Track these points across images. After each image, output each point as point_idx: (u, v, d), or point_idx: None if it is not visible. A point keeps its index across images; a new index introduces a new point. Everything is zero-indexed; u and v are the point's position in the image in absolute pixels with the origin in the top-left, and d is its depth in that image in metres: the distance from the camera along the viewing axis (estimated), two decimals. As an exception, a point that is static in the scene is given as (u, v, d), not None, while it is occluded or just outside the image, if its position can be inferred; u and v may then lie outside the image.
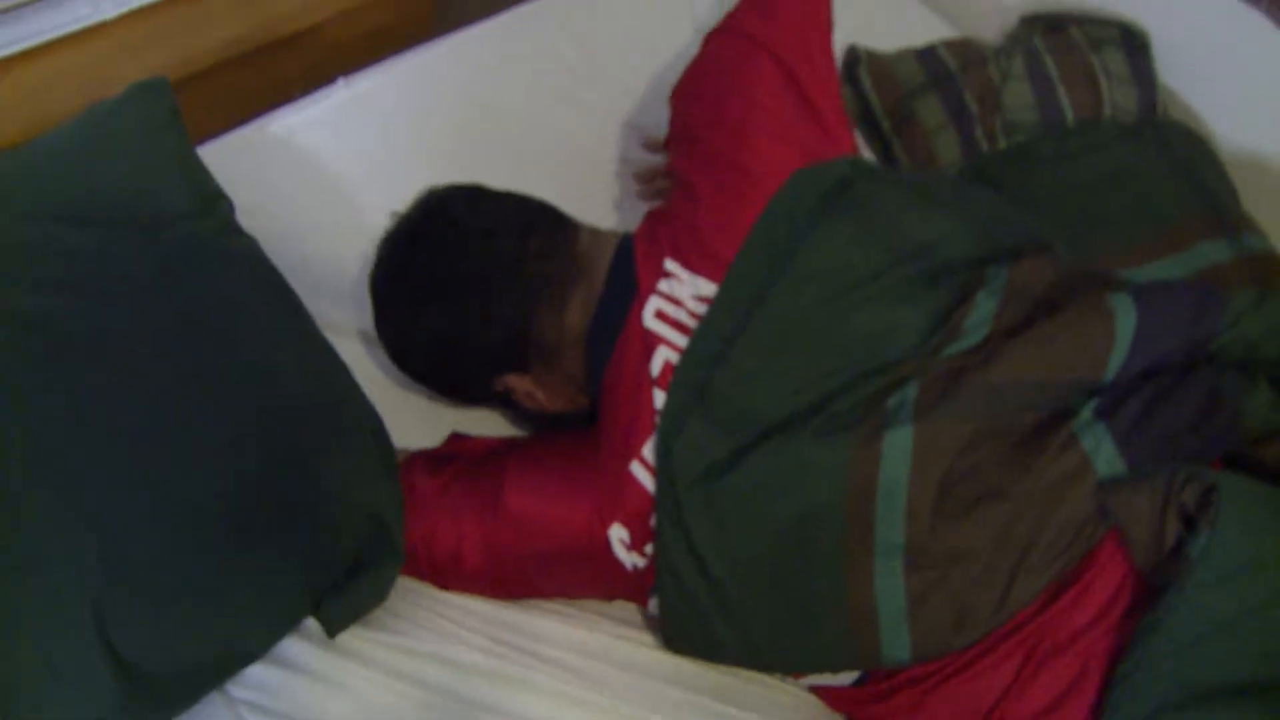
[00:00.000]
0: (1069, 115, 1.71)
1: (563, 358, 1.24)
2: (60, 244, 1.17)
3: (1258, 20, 1.68)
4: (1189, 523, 1.06)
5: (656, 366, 1.15)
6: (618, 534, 1.15)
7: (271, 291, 1.25)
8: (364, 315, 1.37)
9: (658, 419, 1.14)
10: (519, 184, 1.55)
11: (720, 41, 1.37)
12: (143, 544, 1.05)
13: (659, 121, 1.67)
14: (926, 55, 1.78)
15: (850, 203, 1.19)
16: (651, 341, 1.16)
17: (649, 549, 1.15)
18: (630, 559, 1.16)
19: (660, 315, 1.18)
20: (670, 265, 1.19)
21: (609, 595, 1.29)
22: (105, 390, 1.09)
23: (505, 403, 1.33)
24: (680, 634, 1.21)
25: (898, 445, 1.09)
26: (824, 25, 1.36)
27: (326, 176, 1.54)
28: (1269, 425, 1.17)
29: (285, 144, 1.56)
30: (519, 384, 1.26)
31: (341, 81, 1.66)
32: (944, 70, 1.74)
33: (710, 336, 1.15)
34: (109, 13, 1.94)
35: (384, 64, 1.70)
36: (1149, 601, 1.06)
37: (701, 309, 1.16)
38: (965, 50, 1.78)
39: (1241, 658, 1.02)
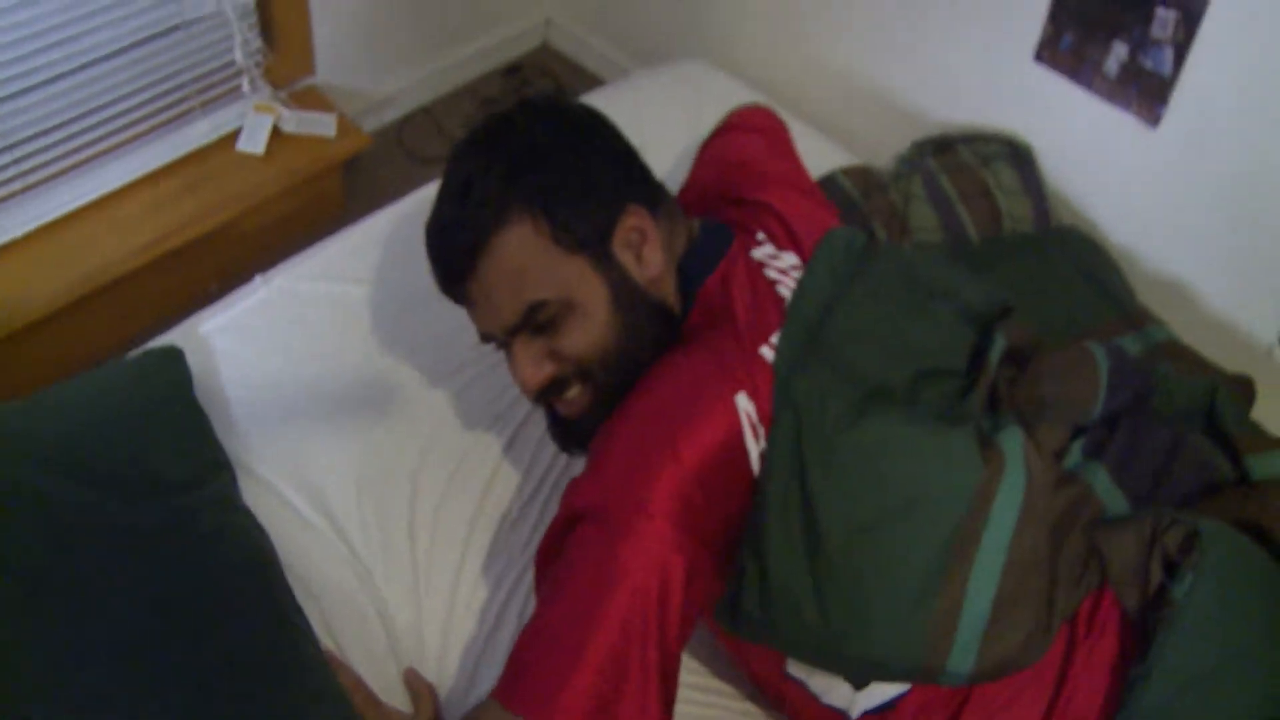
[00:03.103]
0: (971, 231, 1.77)
1: (675, 233, 1.27)
2: (55, 496, 1.21)
3: (1130, 121, 1.76)
4: (1171, 568, 1.09)
5: (772, 274, 1.22)
6: (745, 406, 1.10)
7: (254, 578, 1.26)
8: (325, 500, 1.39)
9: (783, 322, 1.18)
10: (444, 355, 1.58)
11: (725, 139, 1.60)
12: None
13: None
14: (828, 185, 1.82)
15: (884, 253, 1.31)
16: (757, 265, 1.23)
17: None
18: (759, 447, 1.11)
19: (762, 260, 1.24)
20: (761, 237, 1.28)
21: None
22: (66, 648, 1.10)
23: (602, 255, 1.21)
24: (762, 602, 1.11)
25: (1012, 444, 1.13)
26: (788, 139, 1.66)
27: (254, 374, 1.54)
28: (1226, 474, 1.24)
29: (209, 346, 1.56)
30: (641, 220, 1.21)
31: (259, 279, 1.67)
32: (847, 199, 1.79)
33: (809, 302, 1.20)
34: (16, 232, 1.96)
35: (298, 257, 1.71)
36: (1139, 649, 1.09)
37: (797, 274, 1.23)
38: (865, 177, 1.84)
39: (1227, 708, 1.05)
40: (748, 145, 1.55)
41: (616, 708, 1.02)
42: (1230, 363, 1.53)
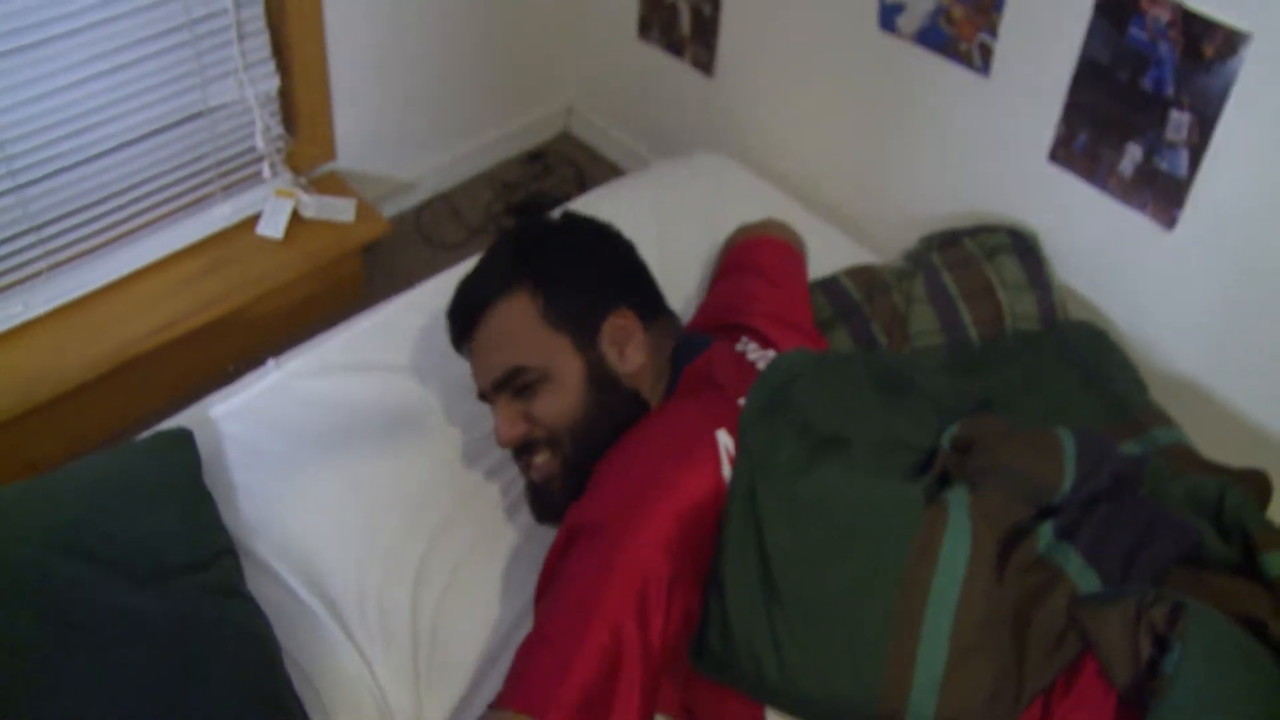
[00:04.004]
0: (972, 333, 1.77)
1: (663, 345, 1.42)
2: (60, 576, 1.22)
3: (1145, 222, 1.76)
4: (1159, 642, 1.10)
5: (753, 356, 1.39)
6: (724, 441, 1.22)
7: (253, 666, 1.26)
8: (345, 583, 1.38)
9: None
10: (456, 444, 1.57)
11: (727, 284, 1.72)
12: None
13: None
14: (830, 287, 1.82)
15: (854, 357, 1.45)
16: (740, 353, 1.40)
17: None
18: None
19: (744, 350, 1.42)
20: (743, 339, 1.46)
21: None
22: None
23: (588, 340, 1.37)
24: (723, 636, 1.18)
25: (958, 499, 1.19)
26: (801, 266, 1.77)
27: (262, 458, 1.54)
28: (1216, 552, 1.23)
29: (219, 430, 1.57)
30: (628, 322, 1.39)
31: (272, 363, 1.68)
32: (849, 301, 1.79)
33: (777, 372, 1.33)
34: (40, 309, 1.98)
35: (312, 343, 1.72)
36: None
37: None
38: (868, 278, 1.84)
39: None
40: (753, 289, 1.67)
41: (607, 704, 1.09)
42: (1246, 465, 1.51)
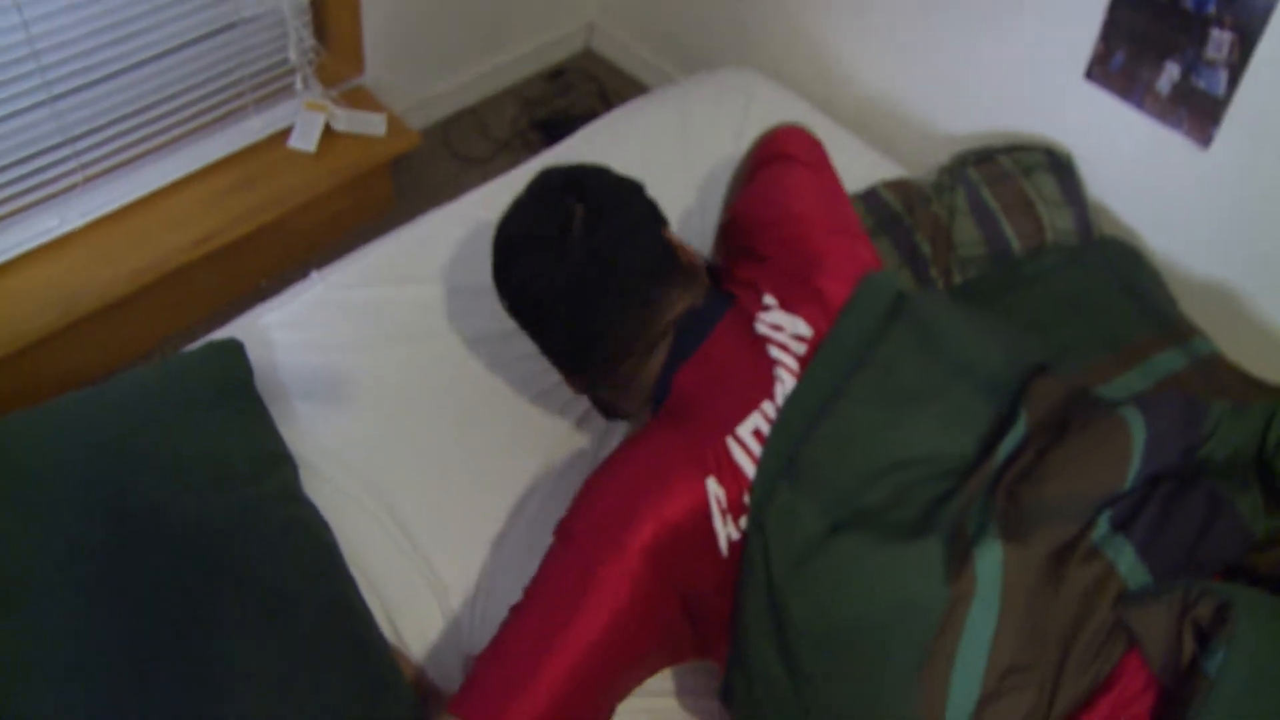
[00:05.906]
0: (1015, 244, 1.78)
1: (650, 364, 1.31)
2: (127, 485, 1.24)
3: (1181, 141, 1.77)
4: (1203, 638, 1.07)
5: (774, 351, 1.25)
6: (714, 490, 1.17)
7: (320, 570, 1.29)
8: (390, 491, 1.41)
9: (760, 459, 1.20)
10: (496, 356, 1.60)
11: (767, 173, 1.52)
12: None
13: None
14: (870, 198, 1.84)
15: (910, 315, 1.30)
16: (759, 341, 1.26)
17: (743, 523, 1.18)
18: (726, 531, 1.18)
19: (765, 335, 1.27)
20: (768, 300, 1.30)
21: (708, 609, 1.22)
22: (138, 624, 1.14)
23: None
24: (748, 702, 1.20)
25: (988, 558, 1.14)
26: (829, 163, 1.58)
27: (312, 367, 1.57)
28: (1267, 529, 1.19)
29: (269, 339, 1.59)
30: (571, 383, 1.39)
31: (314, 275, 1.69)
32: (890, 212, 1.81)
33: (799, 412, 1.22)
34: (76, 223, 1.98)
35: (353, 255, 1.74)
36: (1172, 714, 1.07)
37: (801, 349, 1.25)
38: (906, 190, 1.85)
39: None
40: (793, 180, 1.50)
41: None
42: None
